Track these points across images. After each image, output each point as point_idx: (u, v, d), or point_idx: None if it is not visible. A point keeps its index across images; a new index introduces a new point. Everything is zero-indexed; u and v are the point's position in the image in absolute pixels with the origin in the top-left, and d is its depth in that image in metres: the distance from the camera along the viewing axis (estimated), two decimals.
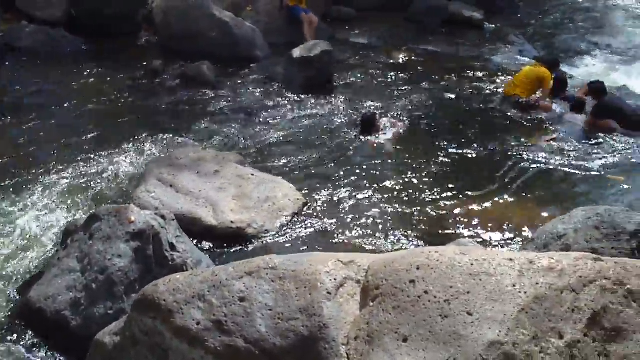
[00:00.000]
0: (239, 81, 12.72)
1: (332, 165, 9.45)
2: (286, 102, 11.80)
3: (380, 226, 7.91)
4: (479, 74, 13.78)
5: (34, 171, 8.95)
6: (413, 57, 14.71)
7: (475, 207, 8.43)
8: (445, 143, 10.29)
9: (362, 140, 10.35)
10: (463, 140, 10.41)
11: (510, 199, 8.69)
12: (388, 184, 8.97)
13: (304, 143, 10.17)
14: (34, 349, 5.84)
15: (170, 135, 10.19)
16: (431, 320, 3.64)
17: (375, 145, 10.28)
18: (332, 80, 12.73)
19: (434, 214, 8.27)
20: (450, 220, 8.12)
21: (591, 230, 6.43)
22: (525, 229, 7.88)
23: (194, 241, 7.08)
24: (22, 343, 5.89)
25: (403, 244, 7.54)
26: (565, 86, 12.15)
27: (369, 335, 3.73)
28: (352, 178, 9.07)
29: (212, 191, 8.05)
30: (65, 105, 11.32)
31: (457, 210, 8.34)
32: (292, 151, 9.90)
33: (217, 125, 10.73)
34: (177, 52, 13.52)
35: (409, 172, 9.35)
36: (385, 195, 8.64)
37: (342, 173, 9.20)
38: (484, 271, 3.77)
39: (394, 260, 3.99)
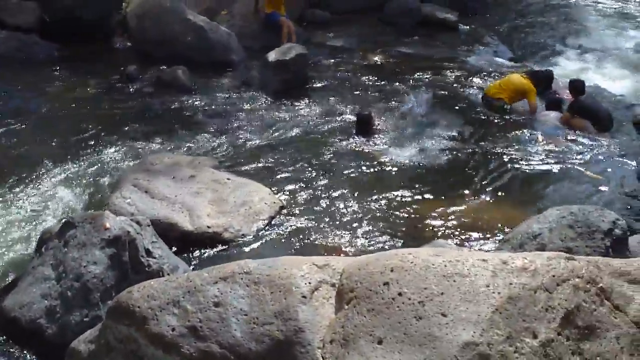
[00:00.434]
0: (214, 85, 12.69)
1: (309, 168, 9.45)
2: (262, 105, 11.79)
3: (358, 228, 7.92)
4: (455, 75, 13.85)
5: (5, 178, 8.86)
6: (388, 59, 14.77)
7: (452, 207, 8.46)
8: (422, 144, 10.32)
9: (355, 141, 10.37)
10: (440, 142, 10.45)
11: (487, 199, 8.75)
12: (365, 186, 8.99)
13: (281, 146, 10.17)
14: (9, 358, 5.78)
15: (146, 141, 10.16)
16: (406, 322, 3.65)
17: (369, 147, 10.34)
18: (307, 83, 12.74)
19: (411, 215, 8.29)
20: (427, 222, 8.15)
21: (565, 229, 6.48)
22: (502, 228, 7.92)
23: (171, 247, 7.03)
24: None
25: (380, 245, 7.55)
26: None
27: (344, 338, 3.73)
28: (329, 181, 9.08)
29: (188, 196, 8.02)
30: (39, 111, 11.25)
31: (434, 211, 8.36)
32: (268, 155, 9.88)
33: (192, 129, 10.69)
34: (152, 57, 13.45)
35: (386, 174, 9.38)
36: (363, 198, 8.65)
37: (319, 176, 9.21)
38: (458, 272, 3.78)
39: (368, 262, 3.99)
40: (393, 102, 12.09)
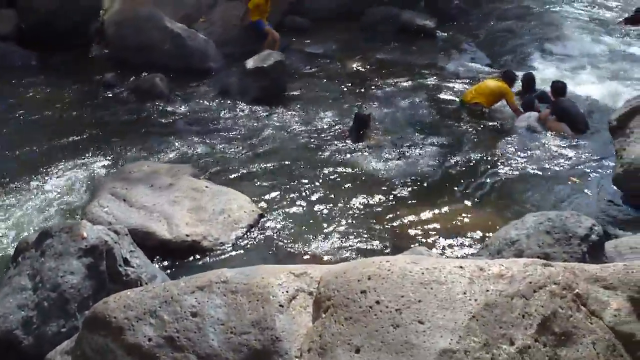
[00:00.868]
0: (193, 93, 12.67)
1: (288, 176, 9.44)
2: (240, 113, 11.79)
3: (337, 236, 7.93)
4: (433, 81, 13.93)
5: None
6: (367, 66, 14.82)
7: (432, 214, 8.50)
8: (402, 151, 10.35)
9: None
10: (419, 148, 10.49)
11: (467, 205, 8.80)
12: (345, 193, 8.99)
13: (259, 154, 10.17)
14: None
15: (123, 149, 10.13)
16: (383, 330, 3.64)
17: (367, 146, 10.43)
18: (286, 90, 12.73)
19: (391, 222, 8.31)
20: (407, 228, 8.18)
21: (543, 235, 6.50)
22: (481, 234, 7.96)
23: (149, 255, 6.98)
24: None
25: (359, 253, 7.56)
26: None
27: (322, 347, 3.72)
28: (309, 188, 9.08)
29: (166, 204, 7.99)
30: (16, 119, 11.18)
31: (414, 218, 8.40)
32: (247, 162, 9.88)
33: (171, 137, 10.66)
34: (130, 65, 13.41)
35: (366, 181, 9.40)
36: (342, 205, 8.66)
37: (298, 184, 9.21)
38: (435, 280, 3.78)
39: (345, 270, 3.99)
40: (372, 109, 12.09)
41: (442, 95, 13.12)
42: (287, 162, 9.89)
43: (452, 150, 10.50)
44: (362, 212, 8.52)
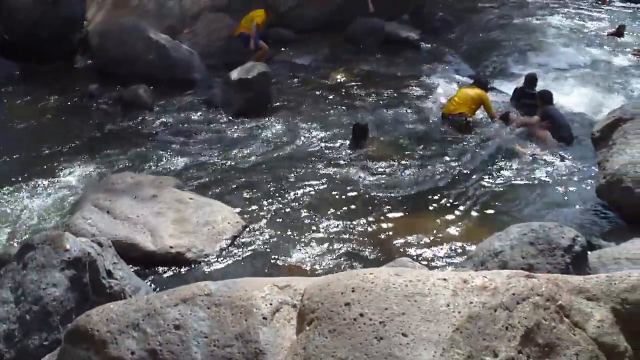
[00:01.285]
0: (177, 104, 12.66)
1: (272, 187, 9.43)
2: (224, 124, 11.78)
3: (321, 247, 7.92)
4: (417, 93, 14.00)
5: None
6: (352, 77, 14.86)
7: (417, 225, 8.53)
8: (385, 162, 10.37)
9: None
10: (403, 159, 10.51)
11: (452, 216, 8.81)
12: (329, 204, 9.00)
13: (244, 166, 10.15)
14: None
15: (107, 160, 10.10)
16: (367, 343, 3.63)
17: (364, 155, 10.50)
18: (270, 101, 12.73)
19: (376, 233, 8.33)
20: (392, 239, 8.20)
21: (526, 246, 6.50)
22: (465, 246, 7.98)
23: (133, 267, 6.98)
24: None
25: (344, 264, 7.57)
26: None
27: (306, 359, 3.71)
28: (293, 199, 9.08)
29: (150, 216, 7.97)
30: None
31: (399, 229, 8.43)
32: (231, 174, 9.86)
33: (155, 148, 10.65)
34: (114, 76, 13.38)
35: (351, 192, 9.40)
36: (327, 216, 8.66)
37: (282, 195, 9.20)
38: (419, 292, 3.78)
39: (329, 283, 3.98)
40: (356, 120, 12.11)
41: (427, 106, 13.16)
42: (271, 174, 9.88)
43: (436, 161, 10.53)
44: (347, 223, 8.51)
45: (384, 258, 7.61)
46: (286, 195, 9.19)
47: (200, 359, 3.85)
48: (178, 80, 13.43)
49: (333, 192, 9.39)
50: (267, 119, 12.04)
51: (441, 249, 8.01)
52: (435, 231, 8.41)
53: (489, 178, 9.99)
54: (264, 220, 8.51)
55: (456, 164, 10.47)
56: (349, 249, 7.93)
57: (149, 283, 6.97)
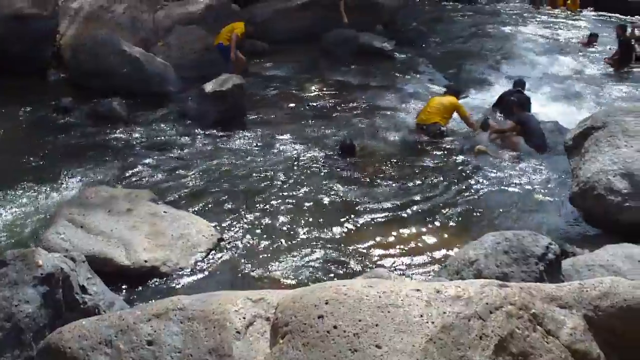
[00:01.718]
0: (151, 117, 12.60)
1: (247, 199, 9.40)
2: (199, 136, 11.74)
3: (297, 259, 7.90)
4: (392, 103, 14.05)
5: None
6: (326, 88, 14.89)
7: (393, 235, 8.54)
8: (360, 173, 10.39)
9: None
10: (379, 169, 10.53)
11: (428, 225, 8.83)
12: (304, 216, 8.98)
13: (218, 178, 10.11)
14: None
15: (81, 174, 10.02)
16: (341, 355, 3.63)
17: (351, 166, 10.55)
18: (245, 113, 12.71)
19: (351, 243, 8.31)
20: (368, 250, 8.18)
21: (501, 255, 6.54)
22: (441, 255, 8.00)
23: (107, 282, 6.90)
24: None
25: (319, 276, 7.54)
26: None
27: None
28: (268, 212, 9.05)
29: (124, 230, 7.91)
30: None
31: (375, 239, 8.42)
32: (206, 187, 9.82)
33: (129, 162, 10.58)
34: (88, 89, 13.33)
35: (325, 203, 9.39)
36: (302, 228, 8.64)
37: (257, 207, 9.17)
38: (392, 303, 3.78)
39: (302, 295, 3.97)
40: (331, 131, 12.15)
41: (401, 116, 13.21)
42: (246, 186, 9.86)
43: (412, 170, 10.56)
44: (323, 234, 8.51)
45: (361, 268, 7.62)
46: (262, 207, 9.17)
47: None
48: (152, 93, 13.40)
49: (309, 203, 9.37)
50: (242, 131, 12.03)
51: (417, 258, 8.02)
52: (411, 241, 8.42)
53: (464, 187, 10.02)
54: (239, 233, 8.49)
55: (431, 173, 10.50)
56: (325, 260, 7.92)
57: (123, 298, 6.91)
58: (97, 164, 10.45)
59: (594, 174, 8.30)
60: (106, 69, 13.36)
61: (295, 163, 10.72)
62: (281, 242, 8.29)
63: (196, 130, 11.98)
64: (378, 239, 8.45)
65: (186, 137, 11.72)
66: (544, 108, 13.58)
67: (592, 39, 20.05)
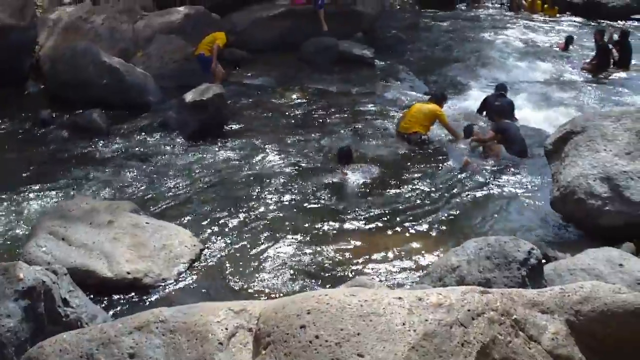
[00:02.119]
0: (131, 128, 12.55)
1: (230, 209, 9.37)
2: (180, 147, 11.71)
3: (280, 269, 7.88)
4: (373, 110, 14.06)
5: None
6: (307, 97, 14.87)
7: (375, 243, 8.53)
8: (343, 181, 10.39)
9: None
10: (361, 177, 10.52)
11: (410, 233, 8.83)
12: (288, 224, 8.97)
13: (200, 188, 10.09)
14: None
15: (62, 187, 9.98)
16: None
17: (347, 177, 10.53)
18: (226, 123, 12.68)
19: (335, 252, 8.29)
20: (351, 258, 8.17)
21: (483, 260, 6.58)
22: (424, 262, 8.01)
23: (89, 295, 6.88)
24: None
25: (303, 284, 7.54)
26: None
27: None
28: (250, 221, 9.04)
29: (106, 242, 7.87)
30: None
31: (358, 248, 8.41)
32: (188, 197, 9.80)
33: (110, 173, 10.53)
34: (67, 101, 13.26)
35: (309, 212, 9.39)
36: (285, 237, 8.63)
37: (240, 217, 9.15)
38: (374, 311, 3.79)
39: (284, 305, 3.97)
40: (312, 139, 12.15)
41: (382, 124, 13.22)
42: (228, 195, 9.84)
43: (394, 178, 10.56)
44: (306, 242, 8.49)
45: (344, 277, 7.61)
46: (244, 217, 9.15)
47: None
48: (132, 103, 13.35)
49: (292, 212, 9.37)
50: (223, 140, 12.00)
51: (401, 265, 8.02)
52: (395, 248, 8.41)
53: (447, 194, 10.03)
54: (222, 243, 8.47)
55: (414, 180, 10.50)
56: (308, 268, 7.91)
57: (106, 310, 6.87)
58: (77, 176, 10.40)
59: (574, 178, 8.35)
60: (85, 79, 13.29)
61: (277, 172, 10.71)
62: (264, 251, 8.27)
63: (177, 140, 11.94)
64: (362, 246, 8.44)
65: (167, 147, 11.68)
66: (524, 113, 13.64)
67: (567, 42, 20.24)
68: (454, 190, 10.17)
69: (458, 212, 9.52)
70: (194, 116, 12.11)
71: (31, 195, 9.61)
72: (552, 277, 6.73)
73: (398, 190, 10.13)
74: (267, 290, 7.42)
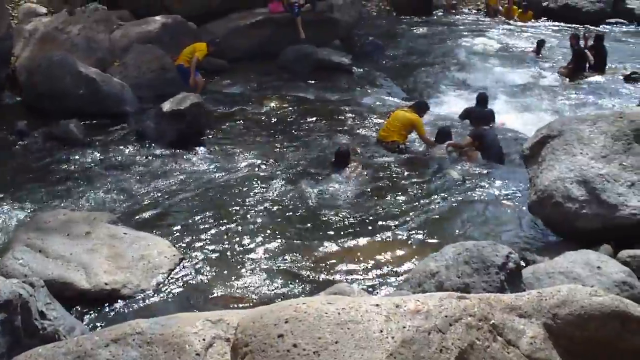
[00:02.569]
0: (109, 138, 12.48)
1: (208, 218, 9.34)
2: (158, 156, 11.64)
3: (259, 277, 7.86)
4: (351, 117, 14.08)
5: None
6: (285, 105, 14.85)
7: (355, 250, 8.55)
8: (323, 187, 10.39)
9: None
10: (340, 184, 10.53)
11: (390, 239, 8.86)
12: (267, 232, 8.95)
13: (178, 198, 10.03)
14: None
15: (38, 198, 9.89)
16: None
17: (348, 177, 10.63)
18: (204, 132, 12.64)
19: (314, 259, 8.30)
20: (331, 265, 8.17)
21: (462, 265, 6.59)
22: (404, 268, 8.03)
23: (68, 306, 6.82)
24: None
25: (283, 292, 7.52)
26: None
27: None
28: (229, 230, 9.02)
29: (84, 253, 7.82)
30: None
31: (338, 254, 8.43)
32: (166, 207, 9.76)
33: (87, 184, 10.45)
34: (44, 112, 13.12)
35: (287, 220, 9.37)
36: (264, 245, 8.61)
37: (218, 226, 9.13)
38: (351, 319, 3.78)
39: (262, 315, 3.95)
40: (291, 147, 12.15)
41: (361, 131, 13.28)
42: (207, 204, 9.81)
43: (374, 185, 10.58)
44: (286, 250, 8.48)
45: (323, 284, 7.59)
46: (223, 225, 9.13)
47: None
48: (109, 113, 13.24)
49: (270, 220, 9.36)
50: (201, 149, 11.97)
51: (380, 272, 8.03)
52: (375, 254, 8.43)
53: (425, 200, 10.06)
54: (201, 252, 8.43)
55: (393, 187, 10.54)
56: (288, 276, 7.90)
57: (84, 322, 6.84)
58: (54, 187, 10.31)
59: (551, 182, 8.39)
60: (62, 90, 13.17)
61: (256, 180, 10.69)
62: (243, 260, 8.26)
63: (155, 150, 11.88)
64: (341, 253, 8.45)
65: (145, 158, 11.62)
66: (501, 118, 13.71)
67: (539, 46, 20.43)
68: (433, 197, 10.20)
69: (437, 217, 9.56)
70: (171, 126, 12.05)
71: (7, 207, 9.51)
72: (531, 281, 6.75)
73: (378, 197, 10.15)
74: (246, 299, 7.39)
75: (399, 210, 9.70)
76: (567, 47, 19.48)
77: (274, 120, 13.85)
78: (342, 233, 9.00)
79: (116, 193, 10.15)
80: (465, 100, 15.02)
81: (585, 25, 23.75)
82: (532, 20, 26.01)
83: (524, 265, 7.25)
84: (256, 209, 9.66)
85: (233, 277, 7.84)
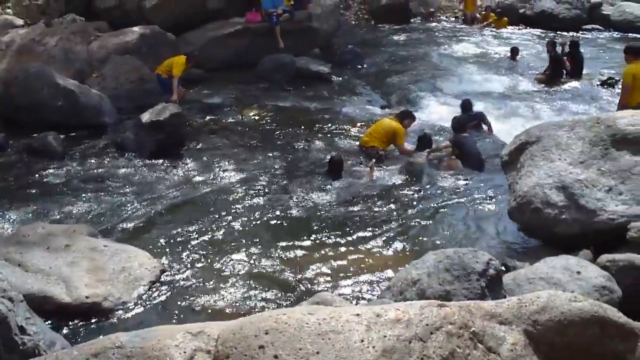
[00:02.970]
0: (88, 150, 12.42)
1: (189, 229, 9.31)
2: (138, 168, 11.59)
3: (241, 288, 7.83)
4: (331, 126, 14.10)
5: None
6: (264, 114, 14.86)
7: (338, 259, 8.53)
8: (303, 196, 10.40)
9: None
10: (321, 192, 10.54)
11: (372, 248, 8.86)
12: (249, 242, 8.93)
13: (158, 209, 9.99)
14: None
15: (17, 212, 9.80)
16: None
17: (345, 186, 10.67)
18: (184, 142, 12.61)
19: (297, 269, 8.27)
20: (313, 275, 8.15)
21: (443, 273, 6.59)
22: (386, 276, 8.02)
23: (48, 321, 6.77)
24: None
25: (265, 303, 7.50)
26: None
27: None
28: (210, 241, 8.99)
29: (64, 267, 7.76)
30: None
31: (320, 263, 8.40)
32: (146, 218, 9.70)
33: (66, 197, 10.38)
34: (21, 124, 13.07)
35: (268, 230, 9.36)
36: (246, 255, 8.59)
37: (199, 236, 9.10)
38: (332, 329, 3.78)
39: (242, 326, 3.94)
40: (271, 157, 12.15)
41: (341, 139, 13.30)
42: (188, 215, 9.78)
43: (354, 194, 10.58)
44: (267, 261, 8.46)
45: (306, 293, 7.60)
46: (204, 236, 9.10)
47: None
48: (88, 125, 13.21)
49: (252, 230, 9.34)
50: (181, 160, 11.94)
51: (362, 280, 8.03)
52: (357, 263, 8.44)
53: (408, 208, 10.10)
54: (183, 263, 8.40)
55: (374, 195, 10.55)
56: (270, 286, 7.88)
57: (65, 336, 6.76)
58: (33, 201, 10.23)
59: (530, 188, 8.42)
60: (40, 102, 13.10)
61: (236, 190, 10.68)
62: (225, 270, 8.23)
63: (134, 162, 11.83)
64: (323, 262, 8.43)
65: (124, 169, 11.56)
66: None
67: (513, 52, 20.63)
68: (414, 204, 10.25)
69: (418, 225, 9.58)
70: (151, 136, 12.03)
71: None
72: (512, 287, 6.77)
73: (359, 205, 10.15)
74: (228, 310, 7.36)
75: (381, 219, 9.72)
76: (543, 53, 19.61)
77: (253, 130, 13.85)
78: (324, 242, 9.00)
79: (96, 205, 10.09)
80: (446, 107, 15.12)
81: (558, 33, 24.04)
82: (507, 26, 26.23)
83: (505, 271, 7.26)
84: (237, 219, 9.63)
85: (214, 288, 7.81)
